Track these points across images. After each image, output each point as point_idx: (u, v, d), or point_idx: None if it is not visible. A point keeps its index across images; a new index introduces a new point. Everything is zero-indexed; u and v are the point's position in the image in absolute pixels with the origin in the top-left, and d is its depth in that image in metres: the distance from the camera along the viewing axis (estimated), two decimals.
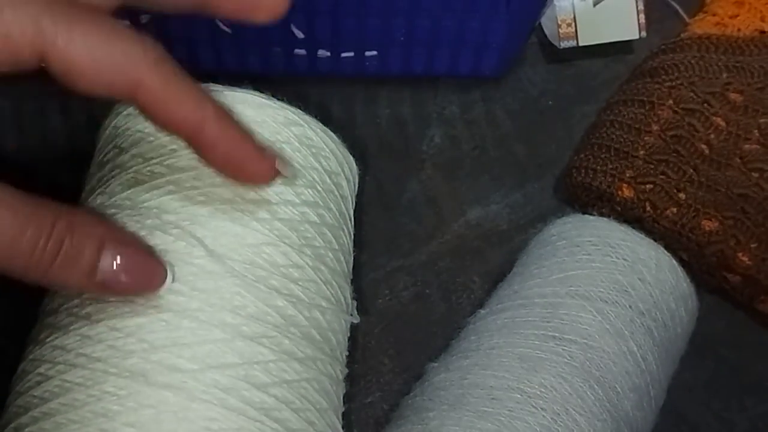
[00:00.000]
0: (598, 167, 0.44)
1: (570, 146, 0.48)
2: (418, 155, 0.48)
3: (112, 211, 0.31)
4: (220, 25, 0.44)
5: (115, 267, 0.25)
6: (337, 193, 0.36)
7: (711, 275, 0.43)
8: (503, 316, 0.37)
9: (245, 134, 0.28)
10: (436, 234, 0.46)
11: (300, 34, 0.45)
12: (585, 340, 0.34)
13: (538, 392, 0.32)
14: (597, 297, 0.36)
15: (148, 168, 0.32)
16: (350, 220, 0.38)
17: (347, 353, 0.36)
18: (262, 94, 0.34)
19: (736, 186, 0.41)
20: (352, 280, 0.37)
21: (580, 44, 0.49)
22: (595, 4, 0.49)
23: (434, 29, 0.45)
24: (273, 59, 0.46)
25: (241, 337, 0.29)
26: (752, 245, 0.41)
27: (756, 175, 0.42)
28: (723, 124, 0.43)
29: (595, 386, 0.33)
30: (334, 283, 0.34)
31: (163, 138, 0.32)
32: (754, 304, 0.43)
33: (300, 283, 0.32)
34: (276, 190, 0.32)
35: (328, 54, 0.46)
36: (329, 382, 0.33)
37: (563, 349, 0.34)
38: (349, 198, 0.38)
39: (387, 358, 0.42)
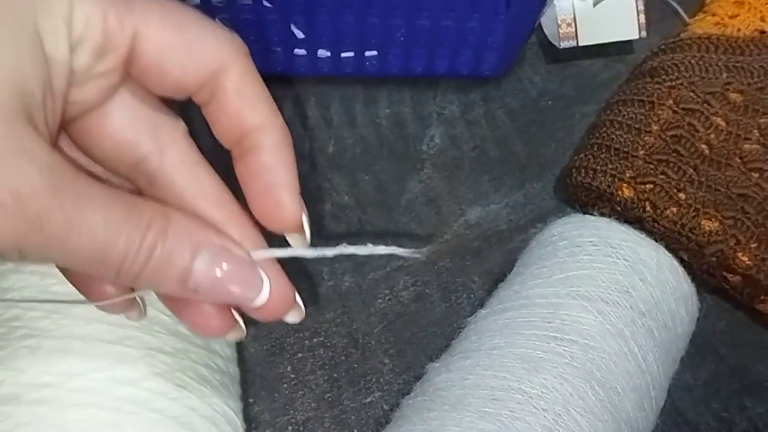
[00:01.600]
0: (598, 167, 0.44)
1: (570, 146, 0.48)
2: (418, 155, 0.48)
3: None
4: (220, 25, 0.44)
5: (209, 274, 0.24)
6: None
7: (711, 275, 0.43)
8: (504, 316, 0.37)
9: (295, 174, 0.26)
10: (436, 234, 0.46)
11: (300, 34, 0.45)
12: (586, 341, 0.34)
13: (539, 393, 0.32)
14: (598, 297, 0.36)
15: None
16: None
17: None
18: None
19: (736, 186, 0.41)
20: None
21: (580, 44, 0.49)
22: (595, 4, 0.49)
23: (434, 29, 0.45)
24: (273, 59, 0.46)
25: (104, 342, 0.30)
26: (752, 245, 0.41)
27: (756, 175, 0.42)
28: (723, 124, 0.43)
29: (596, 387, 0.33)
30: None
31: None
32: (754, 304, 0.43)
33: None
34: None
35: (328, 54, 0.46)
36: (207, 370, 0.33)
37: (564, 350, 0.34)
38: None
39: (387, 358, 0.42)
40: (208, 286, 0.24)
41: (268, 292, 0.25)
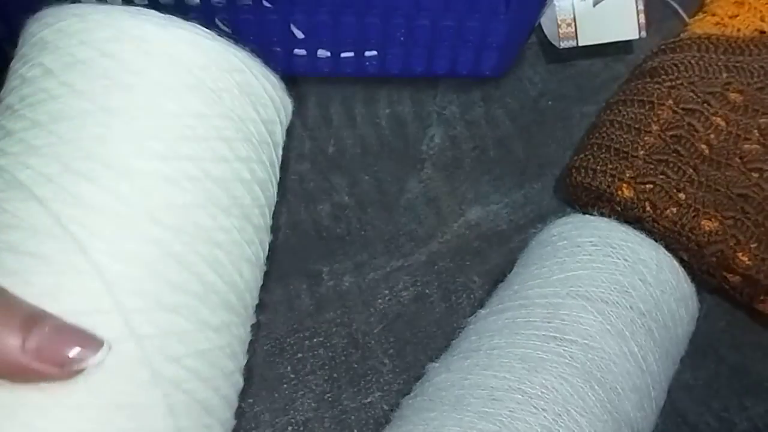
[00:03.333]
0: (598, 167, 0.44)
1: (570, 146, 0.48)
2: (418, 155, 0.48)
3: (38, 141, 0.30)
4: (220, 25, 0.44)
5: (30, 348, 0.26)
6: (270, 140, 0.35)
7: (711, 275, 0.43)
8: (504, 316, 0.37)
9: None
10: (436, 234, 0.46)
11: (300, 34, 0.45)
12: (586, 341, 0.34)
13: (539, 393, 0.32)
14: (598, 297, 0.36)
15: (79, 103, 0.30)
16: (278, 165, 0.37)
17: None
18: (206, 31, 0.33)
19: (736, 186, 0.41)
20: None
21: (580, 44, 0.49)
22: (595, 4, 0.49)
23: (434, 29, 0.45)
24: (273, 59, 0.46)
25: (160, 306, 0.29)
26: (752, 245, 0.41)
27: (756, 175, 0.42)
28: (723, 124, 0.43)
29: (596, 387, 0.33)
30: (256, 241, 0.33)
31: (97, 68, 0.31)
32: (754, 304, 0.43)
33: (224, 247, 0.31)
34: (212, 145, 0.31)
35: (328, 54, 0.46)
36: (238, 343, 0.33)
37: (564, 350, 0.34)
38: (280, 143, 0.37)
39: (387, 358, 0.42)
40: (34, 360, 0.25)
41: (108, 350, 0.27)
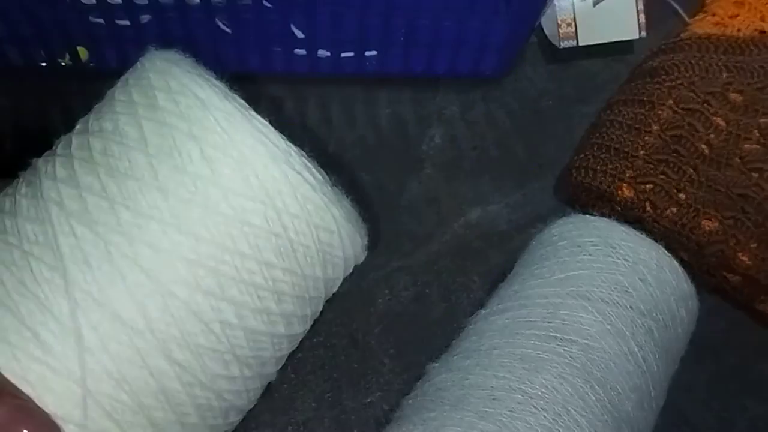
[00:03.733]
0: (598, 167, 0.44)
1: (570, 146, 0.48)
2: (418, 155, 0.48)
3: (96, 215, 0.29)
4: (220, 25, 0.44)
5: None
6: (323, 295, 0.35)
7: (711, 275, 0.43)
8: (504, 316, 0.37)
9: None
10: (436, 234, 0.46)
11: (300, 34, 0.45)
12: (586, 341, 0.34)
13: (539, 393, 0.32)
14: (598, 297, 0.36)
15: (159, 202, 0.29)
16: (317, 314, 0.36)
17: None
18: (318, 178, 0.32)
19: (736, 186, 0.41)
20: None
21: (580, 44, 0.49)
22: (595, 4, 0.49)
23: (434, 29, 0.45)
24: (273, 59, 0.46)
25: None
26: (752, 245, 0.41)
27: (756, 175, 0.42)
28: (723, 124, 0.43)
29: (596, 387, 0.33)
30: (258, 387, 0.34)
31: (194, 181, 0.30)
32: (754, 304, 0.43)
33: (222, 395, 0.31)
34: (261, 295, 0.31)
35: (328, 54, 0.46)
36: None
37: (564, 350, 0.34)
38: (332, 292, 0.36)
39: (387, 358, 0.42)
40: None
41: None
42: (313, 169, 0.32)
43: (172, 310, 0.29)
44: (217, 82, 0.32)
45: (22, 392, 0.27)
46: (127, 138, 0.30)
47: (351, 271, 0.37)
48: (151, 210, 0.29)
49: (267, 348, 0.32)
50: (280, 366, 0.35)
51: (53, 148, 0.33)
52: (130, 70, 0.34)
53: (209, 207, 0.30)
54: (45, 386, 0.27)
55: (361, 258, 0.36)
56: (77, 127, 0.33)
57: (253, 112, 0.31)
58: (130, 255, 0.28)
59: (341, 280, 0.36)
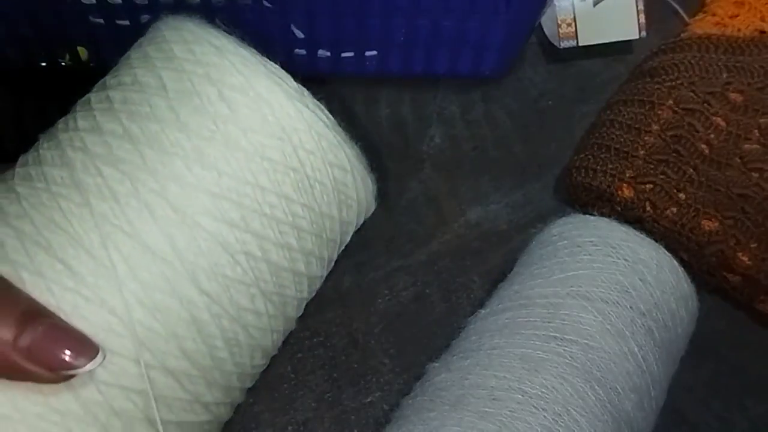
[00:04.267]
0: (598, 167, 0.44)
1: (570, 146, 0.48)
2: (418, 155, 0.48)
3: (121, 154, 0.30)
4: (221, 24, 0.44)
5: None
6: (338, 239, 0.35)
7: (711, 275, 0.43)
8: (504, 316, 0.37)
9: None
10: (436, 234, 0.46)
11: (300, 34, 0.45)
12: (586, 341, 0.34)
13: (539, 393, 0.32)
14: (598, 297, 0.36)
15: (179, 137, 0.30)
16: (334, 261, 0.37)
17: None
18: (329, 118, 0.33)
19: (736, 186, 0.41)
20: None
21: (580, 44, 0.49)
22: (595, 4, 0.49)
23: (434, 29, 0.44)
24: (273, 59, 0.46)
25: (162, 367, 0.29)
26: (752, 245, 0.41)
27: (756, 175, 0.42)
28: (723, 124, 0.43)
29: (596, 387, 0.33)
30: (281, 331, 0.34)
31: (211, 111, 0.31)
32: (754, 304, 0.43)
33: (249, 330, 0.32)
34: (282, 230, 0.32)
35: (328, 54, 0.46)
36: (217, 425, 0.33)
37: (564, 350, 0.34)
38: (346, 242, 0.37)
39: (387, 358, 0.42)
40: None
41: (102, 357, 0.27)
42: (325, 110, 0.34)
43: (199, 241, 0.29)
44: (229, 35, 0.33)
45: (56, 315, 0.27)
46: (146, 86, 0.31)
47: (362, 222, 0.38)
48: (174, 148, 0.30)
49: (289, 286, 0.33)
50: (299, 313, 0.35)
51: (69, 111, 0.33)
52: (143, 37, 0.35)
53: (229, 143, 0.31)
54: (79, 315, 0.27)
55: (371, 208, 0.37)
56: (93, 90, 0.34)
57: (265, 58, 0.33)
58: (157, 189, 0.29)
59: (354, 228, 0.37)
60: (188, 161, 0.30)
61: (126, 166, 0.29)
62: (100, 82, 0.34)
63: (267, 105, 0.31)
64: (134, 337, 0.28)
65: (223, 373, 0.31)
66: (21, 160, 0.32)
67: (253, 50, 0.33)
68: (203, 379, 0.30)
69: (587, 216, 0.41)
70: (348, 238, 0.37)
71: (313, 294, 0.36)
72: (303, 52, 0.46)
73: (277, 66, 0.33)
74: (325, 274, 0.36)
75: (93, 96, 0.33)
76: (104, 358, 0.27)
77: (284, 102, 0.32)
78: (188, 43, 0.32)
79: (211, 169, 0.30)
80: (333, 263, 0.37)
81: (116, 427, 0.28)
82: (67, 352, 0.26)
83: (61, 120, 0.33)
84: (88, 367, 0.26)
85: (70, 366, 0.26)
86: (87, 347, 0.26)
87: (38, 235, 0.28)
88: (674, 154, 0.42)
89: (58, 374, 0.26)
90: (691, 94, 0.44)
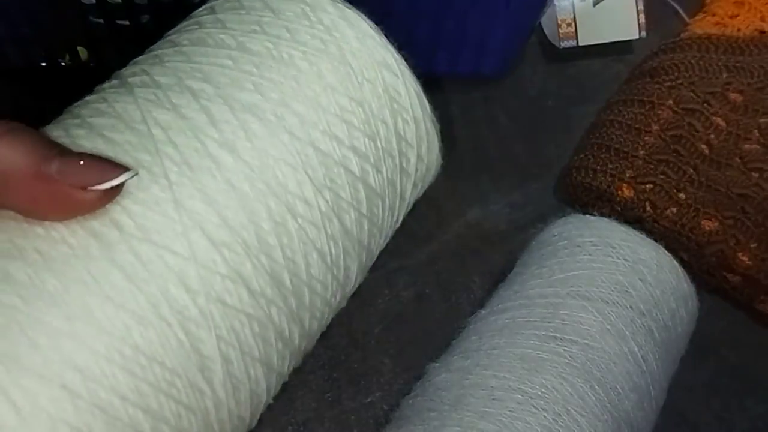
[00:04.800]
0: (598, 167, 0.44)
1: (570, 146, 0.48)
2: None
3: (167, 58, 0.30)
4: None
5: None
6: (398, 162, 0.34)
7: (711, 275, 0.43)
8: (504, 316, 0.37)
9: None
10: (436, 234, 0.46)
11: None
12: (586, 341, 0.34)
13: (539, 393, 0.32)
14: (598, 297, 0.36)
15: (238, 60, 0.30)
16: (403, 199, 0.36)
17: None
18: (371, 23, 0.33)
19: (736, 186, 0.41)
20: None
21: (580, 44, 0.49)
22: (595, 4, 0.49)
23: (434, 29, 0.44)
24: None
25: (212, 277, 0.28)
26: (752, 245, 0.41)
27: (756, 175, 0.42)
28: (723, 124, 0.43)
29: (596, 387, 0.33)
30: (338, 244, 0.32)
31: (273, 54, 0.31)
32: (754, 304, 0.43)
33: (299, 221, 0.30)
34: (328, 119, 0.31)
35: None
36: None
37: (564, 350, 0.34)
38: (413, 177, 0.36)
39: (387, 358, 0.42)
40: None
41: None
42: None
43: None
44: None
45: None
46: (223, 44, 0.31)
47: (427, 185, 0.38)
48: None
49: (376, 235, 0.34)
50: (363, 277, 0.36)
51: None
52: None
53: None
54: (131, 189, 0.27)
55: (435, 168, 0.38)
56: (150, 50, 0.33)
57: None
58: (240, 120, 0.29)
59: (415, 189, 0.37)
60: (246, 83, 0.30)
61: (171, 63, 0.30)
62: (154, 46, 0.34)
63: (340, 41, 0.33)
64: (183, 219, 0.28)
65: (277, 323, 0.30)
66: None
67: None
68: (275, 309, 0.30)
69: (587, 216, 0.41)
70: (402, 217, 0.37)
71: (364, 278, 0.36)
72: None
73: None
74: (375, 255, 0.36)
75: (161, 51, 0.33)
76: (137, 174, 0.26)
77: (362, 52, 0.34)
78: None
79: (272, 91, 0.30)
80: (383, 246, 0.37)
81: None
82: (100, 168, 0.26)
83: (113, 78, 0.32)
84: (123, 177, 0.26)
85: (102, 179, 0.26)
86: (118, 165, 0.26)
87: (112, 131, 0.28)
88: (674, 154, 0.42)
89: (90, 195, 0.25)
90: (691, 94, 0.44)
